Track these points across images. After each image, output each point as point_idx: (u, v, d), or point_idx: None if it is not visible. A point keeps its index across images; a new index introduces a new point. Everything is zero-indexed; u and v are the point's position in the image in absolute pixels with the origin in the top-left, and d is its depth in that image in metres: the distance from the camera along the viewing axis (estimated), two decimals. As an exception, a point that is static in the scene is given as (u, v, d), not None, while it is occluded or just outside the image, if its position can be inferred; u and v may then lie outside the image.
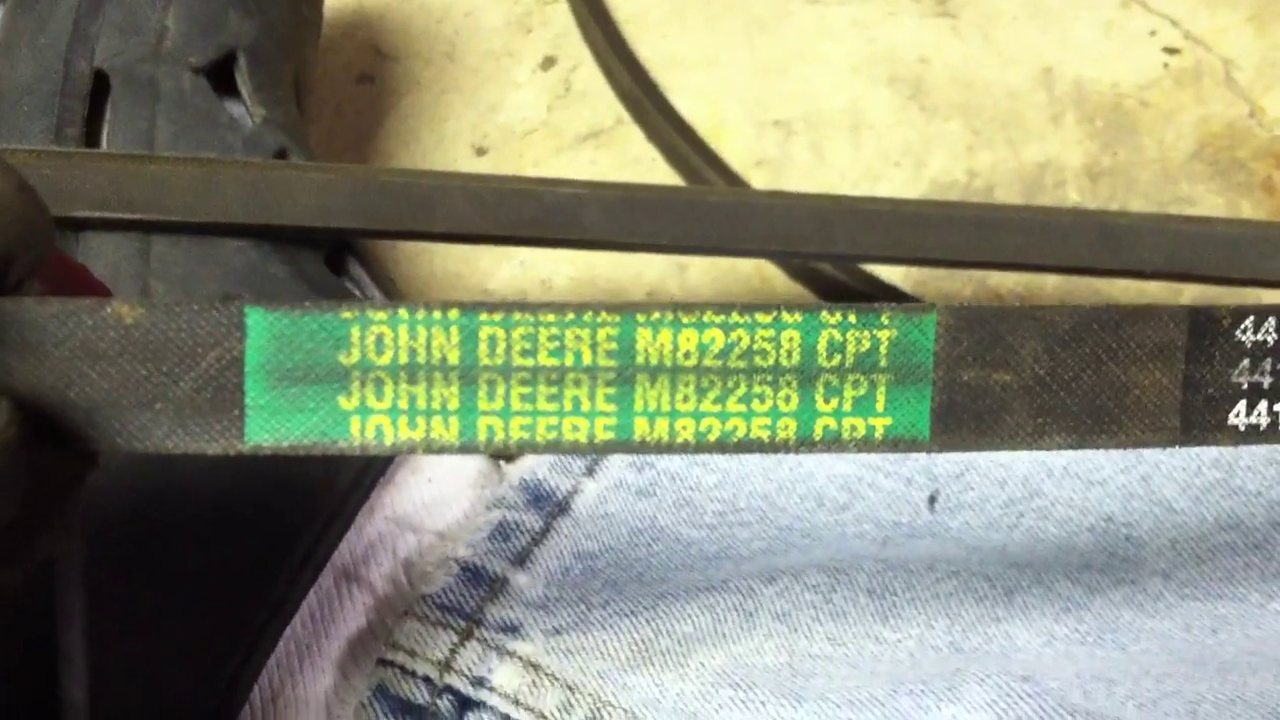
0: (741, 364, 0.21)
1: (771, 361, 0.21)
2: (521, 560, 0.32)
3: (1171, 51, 0.48)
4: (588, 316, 0.20)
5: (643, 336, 0.20)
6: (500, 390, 0.20)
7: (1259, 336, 0.22)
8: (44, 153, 0.30)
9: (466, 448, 0.20)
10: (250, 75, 0.36)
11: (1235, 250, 0.35)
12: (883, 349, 0.21)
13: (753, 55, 0.50)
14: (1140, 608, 0.30)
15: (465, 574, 0.31)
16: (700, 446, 0.21)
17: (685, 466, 0.34)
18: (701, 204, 0.34)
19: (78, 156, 0.30)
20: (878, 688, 0.28)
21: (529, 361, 0.20)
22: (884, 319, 0.21)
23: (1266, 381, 0.22)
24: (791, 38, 0.50)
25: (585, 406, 0.20)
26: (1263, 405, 0.22)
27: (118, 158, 0.30)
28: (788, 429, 0.21)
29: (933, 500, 0.33)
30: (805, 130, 0.48)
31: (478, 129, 0.49)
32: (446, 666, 0.30)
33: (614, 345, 0.20)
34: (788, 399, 0.21)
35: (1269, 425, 0.22)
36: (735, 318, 0.20)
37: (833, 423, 0.21)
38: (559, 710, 0.29)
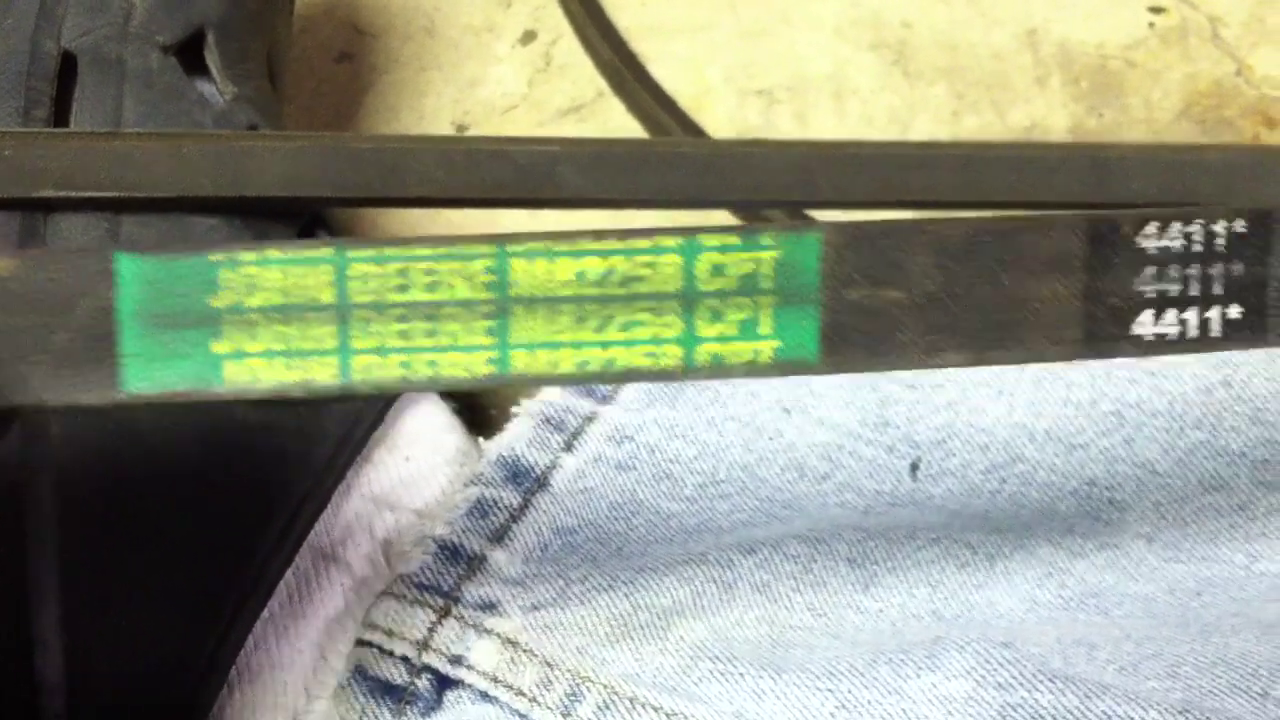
0: (620, 291, 0.20)
1: (651, 288, 0.20)
2: (500, 537, 0.31)
3: (1157, 10, 0.48)
4: (460, 249, 0.20)
5: (517, 267, 0.20)
6: (375, 328, 0.20)
7: (1164, 243, 0.21)
8: (5, 133, 0.29)
9: (346, 389, 0.20)
10: (220, 52, 0.36)
11: (1230, 177, 0.34)
12: (766, 270, 0.20)
13: (735, 21, 0.49)
14: (1123, 571, 0.30)
15: (443, 552, 0.31)
16: (582, 377, 0.20)
17: (664, 439, 0.34)
18: (680, 156, 0.33)
19: (40, 136, 0.30)
20: (857, 658, 0.28)
21: (403, 297, 0.20)
22: (766, 239, 0.20)
23: (1174, 289, 0.21)
24: (774, 3, 0.50)
25: (463, 341, 0.20)
26: (1171, 314, 0.21)
27: (81, 135, 0.30)
28: (671, 356, 0.20)
29: (915, 468, 0.33)
30: (788, 98, 0.47)
31: (458, 105, 0.49)
32: (424, 645, 0.30)
33: (490, 277, 0.20)
34: (669, 325, 0.20)
35: (1178, 334, 0.21)
36: (612, 244, 0.20)
37: (718, 348, 0.20)
38: (538, 687, 0.29)
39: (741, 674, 0.28)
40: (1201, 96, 0.46)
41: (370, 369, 0.20)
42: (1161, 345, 0.21)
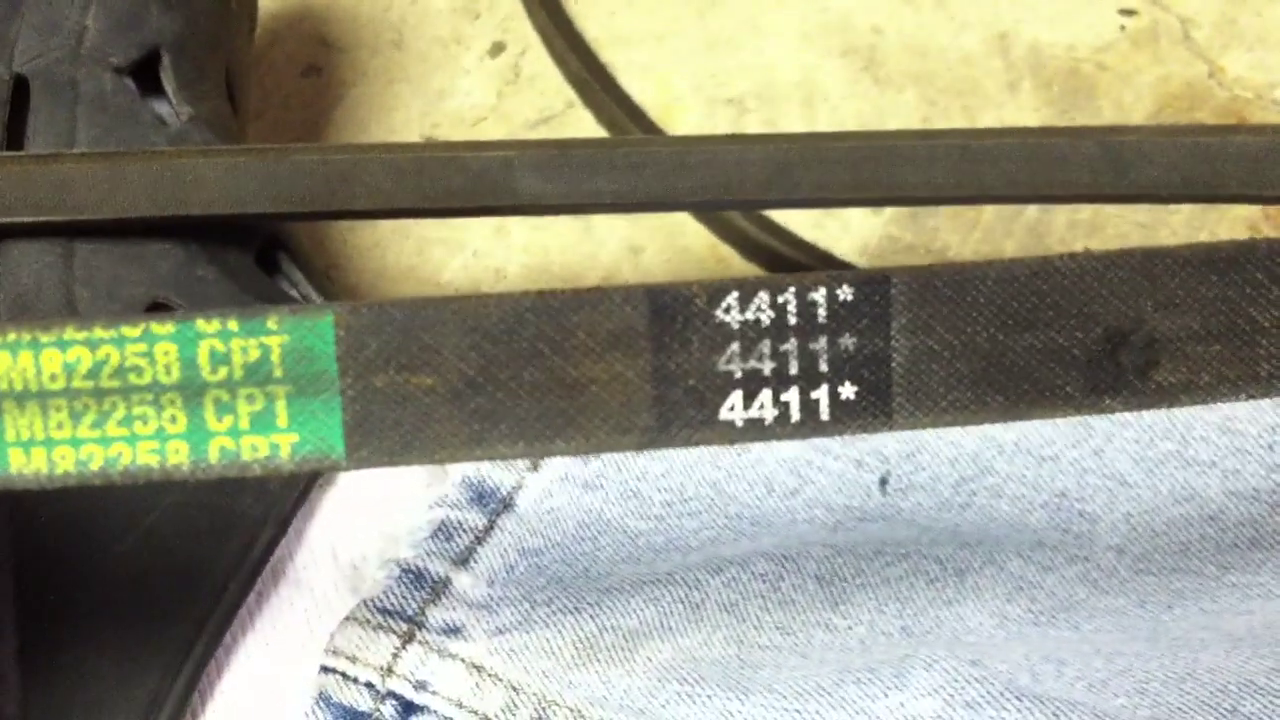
0: (115, 383, 0.19)
1: (149, 379, 0.19)
2: (464, 560, 0.31)
3: (1128, 13, 0.47)
4: None
5: (3, 361, 0.19)
6: None
7: (750, 315, 0.19)
8: (-51, 162, 0.29)
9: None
10: (175, 72, 0.36)
11: (1263, 163, 0.30)
12: (275, 357, 0.19)
13: (703, 29, 0.49)
14: (1094, 585, 0.29)
15: (407, 576, 0.30)
16: (84, 476, 0.19)
17: (631, 455, 0.33)
18: (644, 154, 0.31)
19: (-16, 163, 0.30)
20: (825, 677, 0.27)
21: None
22: (271, 324, 0.19)
23: (767, 367, 0.19)
24: (742, 10, 0.49)
25: None
26: (765, 395, 0.19)
27: (22, 159, 0.29)
28: (179, 452, 0.19)
29: (884, 482, 0.32)
30: (758, 106, 0.47)
31: (427, 118, 0.48)
32: (389, 671, 0.29)
33: None
34: (174, 419, 0.19)
35: (778, 418, 0.19)
36: (99, 332, 0.19)
37: (229, 442, 0.19)
38: (504, 711, 0.28)
39: (709, 696, 0.28)
40: (1173, 99, 0.45)
41: None
42: (758, 430, 0.20)
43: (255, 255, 0.33)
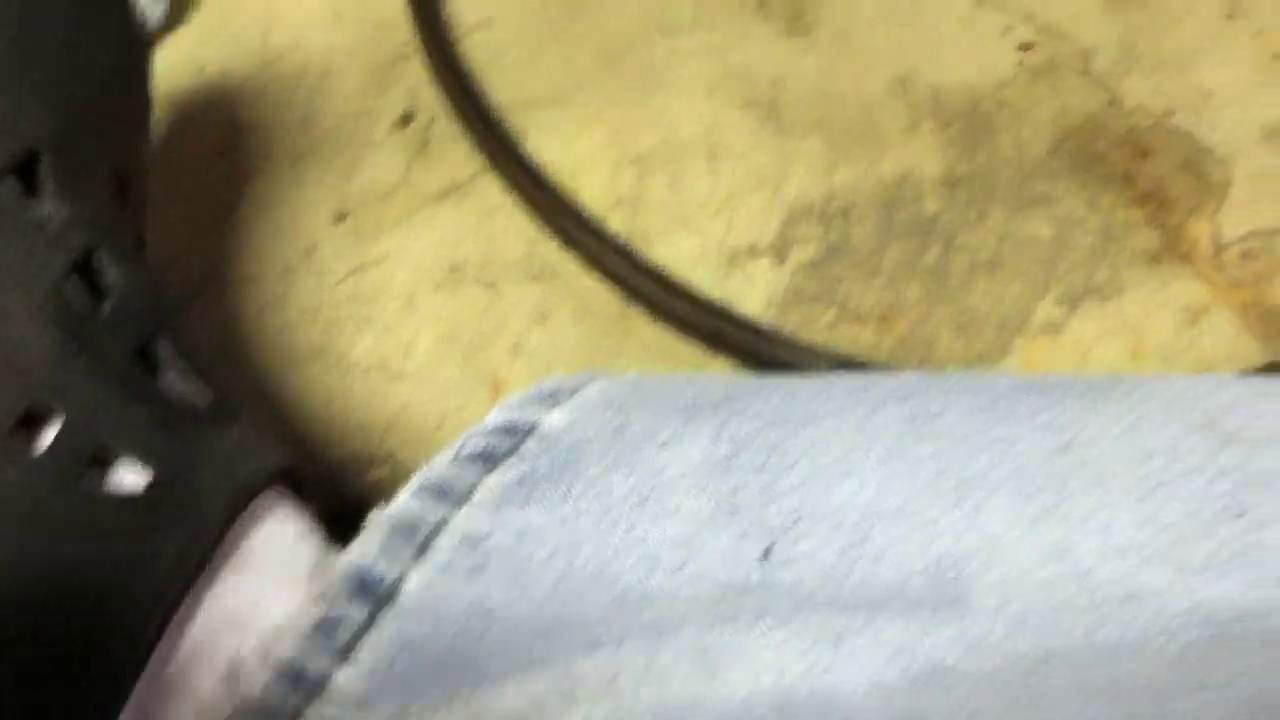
0: None
1: None
2: (344, 655, 0.31)
3: (1026, 47, 0.47)
4: None
5: None
6: None
7: None
8: None
9: None
10: (54, 172, 0.36)
11: None
12: None
13: (607, 88, 0.49)
14: (968, 646, 0.29)
15: (285, 674, 0.30)
16: None
17: (516, 541, 0.33)
18: None
19: None
20: (697, 758, 0.27)
21: None
22: None
23: None
24: (644, 67, 0.49)
25: None
26: None
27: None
28: None
29: (767, 553, 0.32)
30: (662, 163, 0.47)
31: (337, 192, 0.49)
32: (268, 775, 0.29)
33: None
34: None
35: None
36: None
37: None
38: (379, 810, 0.28)
39: (582, 785, 0.27)
40: (1073, 131, 0.45)
41: None
42: None
43: (135, 349, 0.33)
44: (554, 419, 0.35)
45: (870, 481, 0.32)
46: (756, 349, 0.42)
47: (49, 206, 0.36)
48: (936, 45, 0.48)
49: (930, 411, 0.32)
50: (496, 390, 0.44)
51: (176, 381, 0.35)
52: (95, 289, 0.36)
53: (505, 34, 0.51)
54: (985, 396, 0.33)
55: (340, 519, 0.42)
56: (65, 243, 0.34)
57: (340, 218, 0.48)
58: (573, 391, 0.36)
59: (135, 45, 0.42)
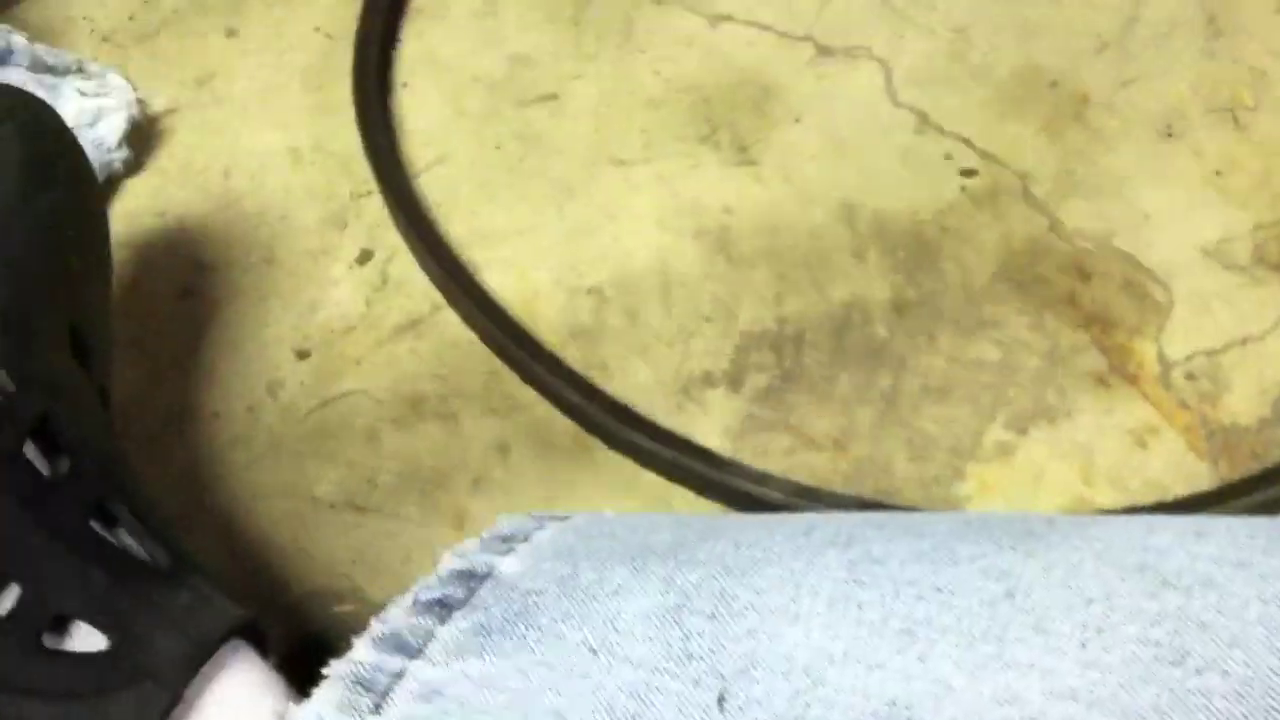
0: None
1: None
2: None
3: (968, 174, 0.49)
4: None
5: None
6: None
7: None
8: None
9: None
10: (3, 345, 0.36)
11: None
12: None
13: (560, 221, 0.50)
14: (921, 796, 0.29)
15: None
16: None
17: (474, 691, 0.33)
18: None
19: None
20: None
21: None
22: None
23: None
24: (598, 199, 0.51)
25: None
26: None
27: None
28: None
29: (722, 700, 0.32)
30: (617, 294, 0.48)
31: (298, 330, 0.49)
32: None
33: None
34: None
35: None
36: None
37: None
38: None
39: None
40: (1016, 255, 0.46)
41: None
42: None
43: (93, 504, 0.33)
44: (507, 565, 0.36)
45: (816, 626, 0.33)
46: (715, 479, 0.43)
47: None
48: (879, 173, 0.49)
49: (872, 556, 0.33)
50: (460, 524, 0.44)
51: (132, 537, 0.35)
52: (55, 446, 0.36)
53: (460, 170, 0.52)
54: (926, 541, 0.33)
55: (306, 654, 0.42)
56: (15, 413, 0.34)
57: (303, 355, 0.48)
58: (525, 537, 0.36)
59: (88, 211, 0.43)
